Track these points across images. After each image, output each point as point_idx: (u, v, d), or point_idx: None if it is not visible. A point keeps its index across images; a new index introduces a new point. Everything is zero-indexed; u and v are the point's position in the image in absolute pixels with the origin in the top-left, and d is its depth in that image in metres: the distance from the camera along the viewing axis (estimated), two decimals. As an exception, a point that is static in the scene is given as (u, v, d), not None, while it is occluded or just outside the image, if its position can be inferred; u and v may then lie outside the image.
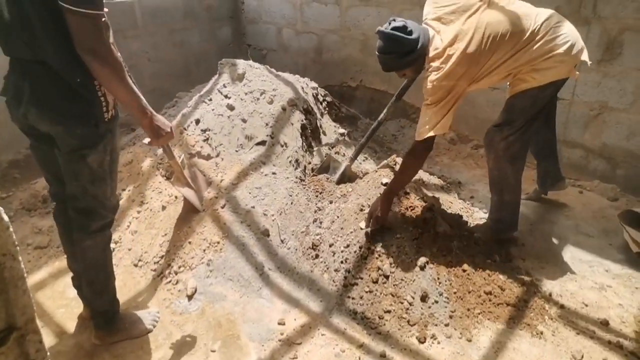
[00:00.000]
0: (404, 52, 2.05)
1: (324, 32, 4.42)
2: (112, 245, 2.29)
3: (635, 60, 2.78)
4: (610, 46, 2.83)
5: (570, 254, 2.37)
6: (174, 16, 4.46)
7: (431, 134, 2.03)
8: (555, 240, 2.48)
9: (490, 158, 2.32)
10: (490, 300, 1.99)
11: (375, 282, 1.99)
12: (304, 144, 2.98)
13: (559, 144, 3.09)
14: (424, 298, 1.94)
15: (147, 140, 1.73)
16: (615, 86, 2.89)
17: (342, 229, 2.12)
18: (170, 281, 2.13)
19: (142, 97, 1.58)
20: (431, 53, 2.05)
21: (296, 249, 2.06)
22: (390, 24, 2.09)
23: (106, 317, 1.83)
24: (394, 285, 1.97)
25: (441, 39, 2.05)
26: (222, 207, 2.30)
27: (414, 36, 2.03)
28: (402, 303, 1.94)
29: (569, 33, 2.06)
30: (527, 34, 2.01)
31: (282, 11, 4.67)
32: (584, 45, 2.12)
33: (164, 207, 2.37)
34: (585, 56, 2.10)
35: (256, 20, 4.96)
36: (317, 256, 2.07)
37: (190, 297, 2.04)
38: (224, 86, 3.02)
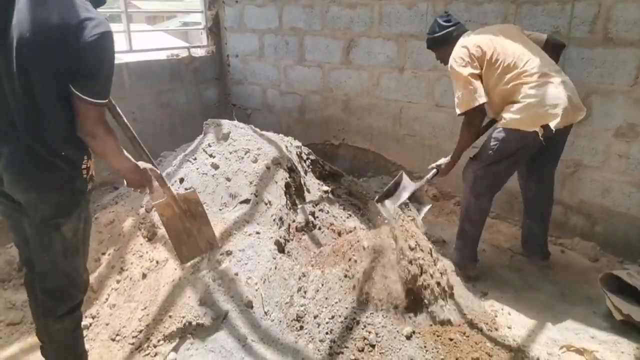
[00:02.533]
0: (435, 33, 2.64)
1: (307, 92, 4.57)
2: (90, 321, 2.21)
3: (603, 121, 2.92)
4: (580, 108, 2.98)
5: (557, 322, 2.37)
6: (161, 78, 4.58)
7: (463, 109, 2.44)
8: (541, 309, 2.48)
9: (463, 187, 2.65)
10: (478, 367, 1.94)
11: (361, 350, 1.94)
12: (288, 201, 2.99)
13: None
14: (410, 366, 1.89)
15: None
16: (587, 145, 3.02)
17: (326, 299, 2.09)
18: (148, 353, 2.04)
19: (130, 157, 1.67)
20: (456, 46, 2.51)
21: (280, 321, 2.03)
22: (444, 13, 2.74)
23: None
24: (380, 353, 1.93)
25: (467, 40, 2.50)
26: (204, 275, 2.23)
27: (448, 24, 2.61)
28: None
29: (549, 93, 2.25)
30: (513, 73, 2.33)
31: (266, 73, 4.85)
32: (560, 113, 2.25)
33: (144, 275, 2.31)
34: (553, 122, 2.24)
35: (242, 81, 5.12)
36: (301, 327, 2.03)
37: (169, 370, 1.95)
38: (209, 145, 3.06)
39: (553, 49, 2.54)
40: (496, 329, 2.23)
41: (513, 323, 2.34)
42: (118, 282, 2.36)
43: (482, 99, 2.37)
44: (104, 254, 2.56)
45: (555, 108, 2.24)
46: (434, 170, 2.79)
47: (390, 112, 4.00)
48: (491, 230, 3.33)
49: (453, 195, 3.76)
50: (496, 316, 2.37)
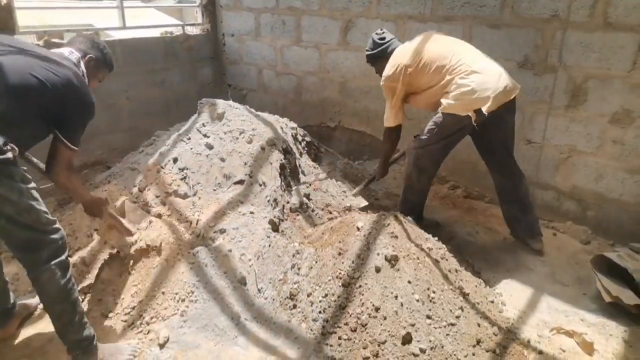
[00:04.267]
0: (371, 49, 2.91)
1: (303, 73, 4.52)
2: (81, 297, 2.20)
3: (599, 106, 2.92)
4: (577, 93, 2.97)
5: (547, 304, 2.40)
6: (155, 56, 4.50)
7: (385, 124, 2.85)
8: (532, 290, 2.51)
9: (407, 161, 2.90)
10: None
11: (354, 330, 1.95)
12: (283, 183, 2.98)
13: (532, 187, 3.15)
14: (404, 344, 1.90)
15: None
16: (582, 131, 3.02)
17: (320, 276, 2.09)
18: (141, 331, 2.05)
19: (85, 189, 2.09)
20: (388, 62, 2.75)
21: (273, 299, 2.03)
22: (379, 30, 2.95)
23: (81, 346, 1.80)
24: (372, 333, 1.93)
25: (395, 56, 2.73)
26: (198, 252, 2.24)
27: (382, 41, 2.86)
28: (381, 350, 1.89)
29: (477, 80, 2.45)
30: (443, 71, 2.56)
31: (262, 53, 4.78)
32: (492, 96, 2.43)
33: (137, 251, 2.30)
34: (485, 107, 2.43)
35: (237, 61, 5.06)
36: (294, 306, 2.04)
37: (162, 346, 1.96)
38: (203, 125, 3.02)
39: None
40: (490, 310, 2.26)
41: (504, 303, 2.36)
42: (111, 256, 2.35)
43: (398, 121, 2.81)
44: (96, 230, 2.55)
45: (485, 93, 2.43)
46: (371, 176, 3.26)
47: (387, 94, 3.97)
48: (485, 214, 3.36)
49: (448, 180, 3.77)
50: (492, 301, 2.38)
